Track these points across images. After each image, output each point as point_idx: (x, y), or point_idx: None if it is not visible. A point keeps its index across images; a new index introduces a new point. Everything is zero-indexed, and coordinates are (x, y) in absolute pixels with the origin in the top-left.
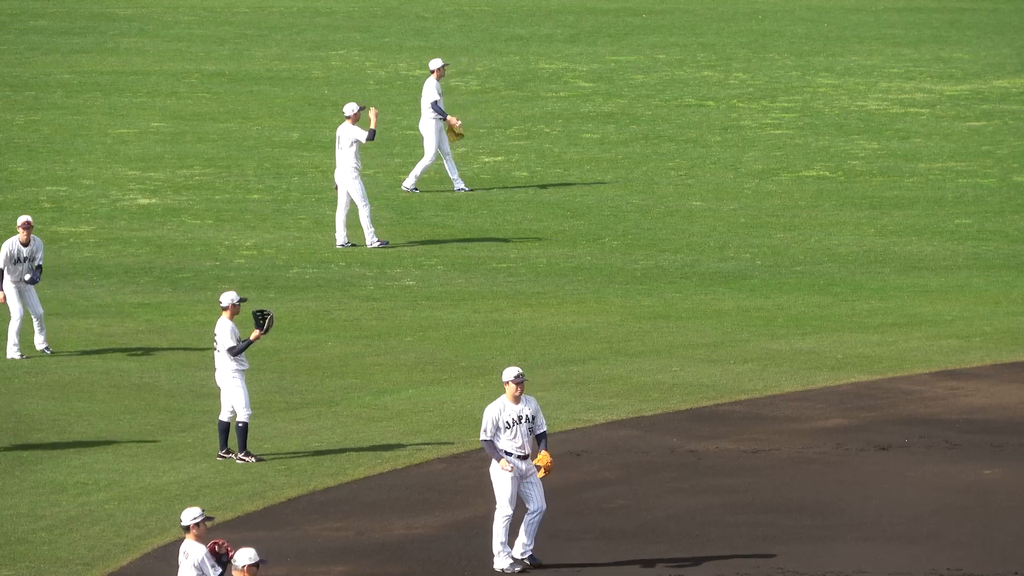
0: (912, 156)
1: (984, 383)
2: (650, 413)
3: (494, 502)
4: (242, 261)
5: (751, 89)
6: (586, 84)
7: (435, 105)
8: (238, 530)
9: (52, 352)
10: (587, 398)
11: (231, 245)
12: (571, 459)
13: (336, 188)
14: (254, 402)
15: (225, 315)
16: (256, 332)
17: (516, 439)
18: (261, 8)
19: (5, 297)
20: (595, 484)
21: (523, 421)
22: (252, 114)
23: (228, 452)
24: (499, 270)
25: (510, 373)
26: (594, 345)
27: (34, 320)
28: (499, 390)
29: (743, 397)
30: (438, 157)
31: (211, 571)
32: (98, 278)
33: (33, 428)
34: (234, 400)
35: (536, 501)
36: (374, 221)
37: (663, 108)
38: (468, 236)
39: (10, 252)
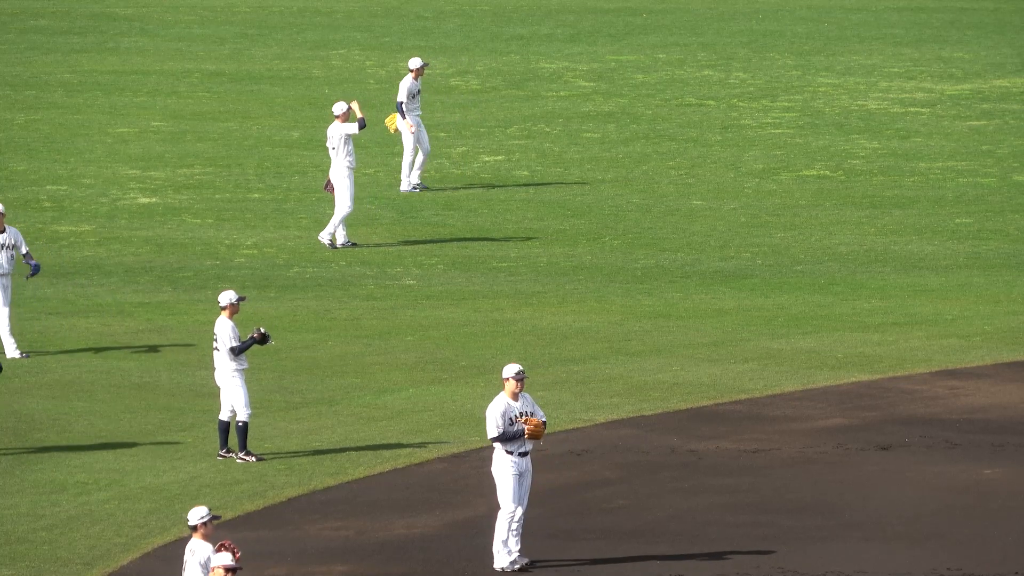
0: (912, 155)
1: (984, 383)
2: (650, 413)
3: (496, 502)
4: (242, 260)
5: (751, 88)
6: (586, 83)
7: (400, 106)
8: (238, 529)
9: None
10: (587, 397)
11: (231, 244)
12: (571, 459)
13: (327, 187)
14: (254, 401)
15: (224, 314)
16: (258, 331)
17: (522, 437)
18: (261, 7)
19: None
20: (595, 484)
21: (522, 418)
22: (252, 113)
23: (228, 452)
24: (499, 269)
25: (511, 369)
26: (594, 344)
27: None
28: (498, 389)
29: (743, 397)
30: (422, 149)
31: None
32: (98, 277)
33: (33, 427)
34: (234, 400)
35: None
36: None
37: (663, 107)
38: (468, 235)
39: None
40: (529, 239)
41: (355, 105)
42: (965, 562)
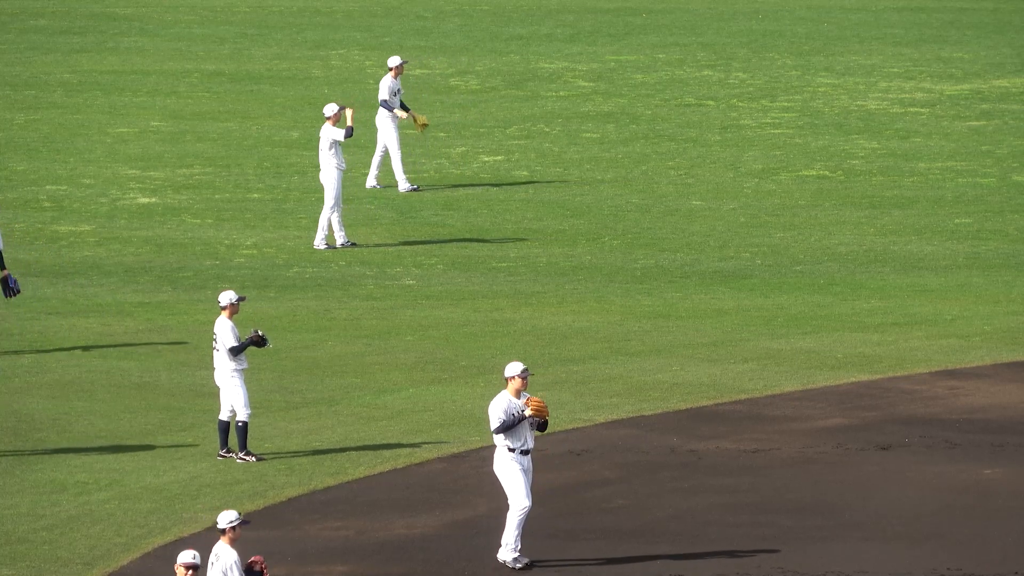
0: (912, 156)
1: (984, 382)
2: (650, 412)
3: (502, 502)
4: (242, 260)
5: (751, 88)
6: (586, 83)
7: (384, 103)
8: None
9: None
10: (587, 397)
11: (231, 244)
12: (571, 458)
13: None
14: (254, 401)
15: (224, 314)
16: (256, 332)
17: (520, 433)
18: (261, 7)
19: None
20: (595, 484)
21: (525, 416)
22: (252, 113)
23: (228, 451)
24: (499, 269)
25: (516, 368)
26: (594, 344)
27: None
28: (498, 389)
29: (743, 397)
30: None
31: None
32: (98, 277)
33: (33, 427)
34: (233, 400)
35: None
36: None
37: (663, 107)
38: (468, 235)
39: None
40: (528, 239)
41: (348, 113)
42: (965, 562)
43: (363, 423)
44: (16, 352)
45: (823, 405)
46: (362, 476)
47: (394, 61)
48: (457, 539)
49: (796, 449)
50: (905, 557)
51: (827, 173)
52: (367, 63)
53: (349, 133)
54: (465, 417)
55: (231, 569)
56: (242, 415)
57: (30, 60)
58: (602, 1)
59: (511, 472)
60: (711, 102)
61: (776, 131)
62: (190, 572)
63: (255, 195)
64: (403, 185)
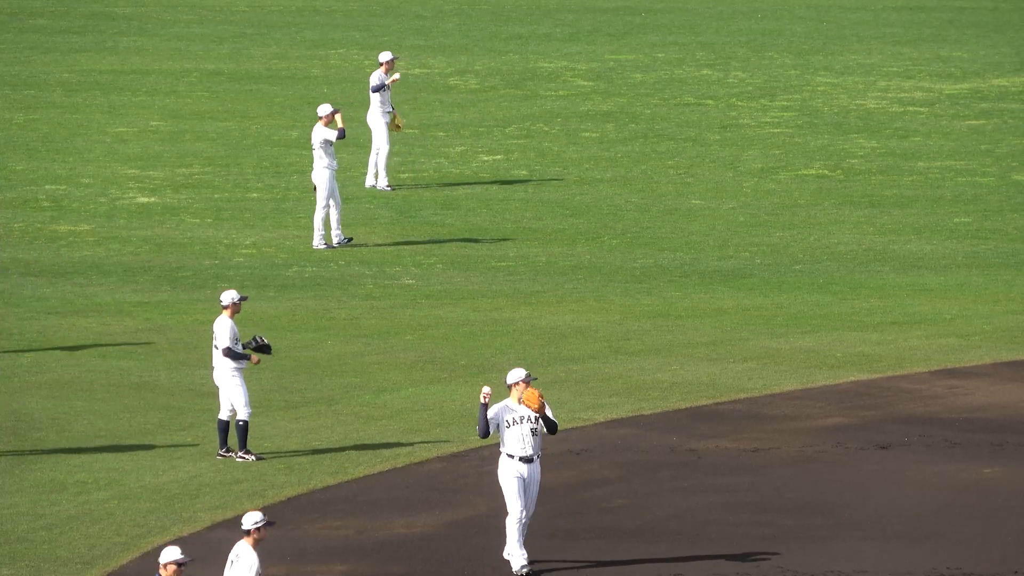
0: (911, 155)
1: (984, 382)
2: (650, 412)
3: (500, 505)
4: (241, 260)
5: (750, 88)
6: (585, 83)
7: (375, 88)
8: (238, 529)
9: None
10: (587, 397)
11: (230, 244)
12: (570, 458)
13: (315, 190)
14: (254, 401)
15: (225, 314)
16: (255, 358)
17: (519, 440)
18: (260, 7)
19: None
20: (595, 483)
21: (524, 421)
22: (251, 113)
23: (228, 451)
24: (498, 269)
25: (518, 374)
26: (593, 344)
27: None
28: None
29: (743, 396)
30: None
31: None
32: (97, 277)
33: (33, 427)
34: (233, 399)
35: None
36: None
37: (662, 107)
38: (467, 235)
39: None
40: (528, 238)
41: (338, 117)
42: (965, 561)
43: (363, 422)
44: (16, 352)
45: (823, 404)
46: (362, 475)
47: (385, 56)
48: (457, 538)
49: (796, 448)
50: (905, 556)
51: (826, 172)
52: (366, 62)
53: (341, 135)
54: (465, 416)
55: (250, 570)
56: (242, 414)
57: (29, 60)
58: (601, 0)
59: (507, 479)
60: (710, 101)
61: (775, 130)
62: (181, 569)
63: (254, 195)
64: (382, 182)
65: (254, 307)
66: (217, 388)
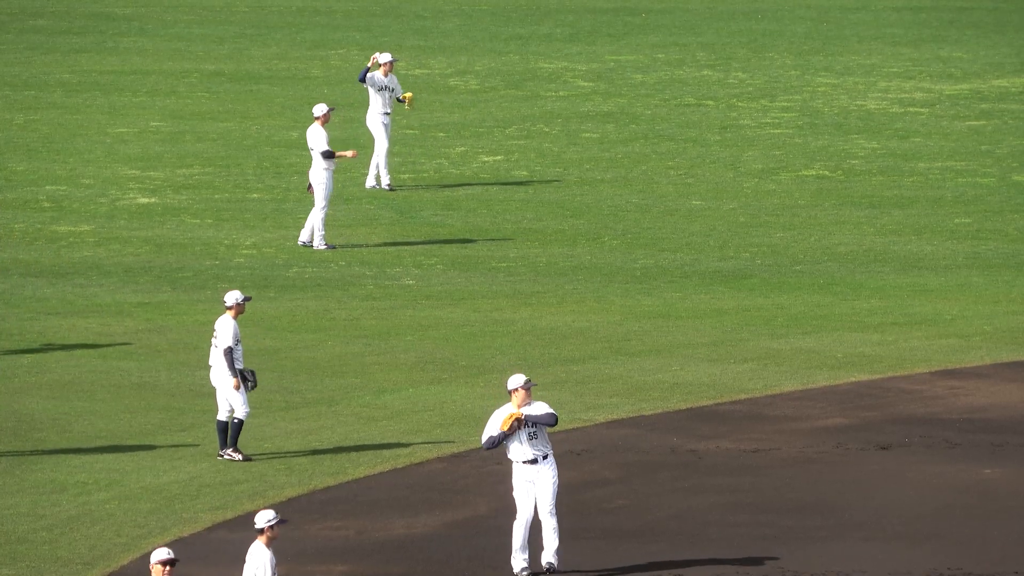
0: (911, 155)
1: (984, 382)
2: (650, 412)
3: (503, 501)
4: (242, 260)
5: (750, 88)
6: (585, 83)
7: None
8: (238, 530)
9: None
10: (587, 397)
11: (231, 244)
12: (571, 458)
13: (309, 188)
14: (254, 401)
15: (229, 314)
16: (236, 382)
17: (520, 446)
18: (260, 7)
19: None
20: (595, 484)
21: (522, 427)
22: (252, 113)
23: (237, 451)
24: (498, 269)
25: (518, 380)
26: (594, 344)
27: None
28: (498, 388)
29: (743, 396)
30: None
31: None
32: (98, 277)
33: (33, 427)
34: (232, 399)
35: (545, 506)
36: (328, 223)
37: (662, 107)
38: (467, 235)
39: None
40: (528, 239)
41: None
42: (965, 562)
43: (363, 423)
44: (16, 352)
45: (823, 405)
46: (362, 476)
47: (384, 57)
48: (457, 539)
49: (796, 449)
50: (905, 557)
51: (827, 173)
52: (366, 63)
53: (328, 155)
54: (465, 417)
55: (264, 568)
56: (240, 413)
57: (30, 60)
58: (601, 1)
59: (515, 484)
60: (711, 102)
61: (776, 131)
62: (167, 568)
63: (255, 195)
64: (384, 180)
65: (254, 307)
66: (215, 388)
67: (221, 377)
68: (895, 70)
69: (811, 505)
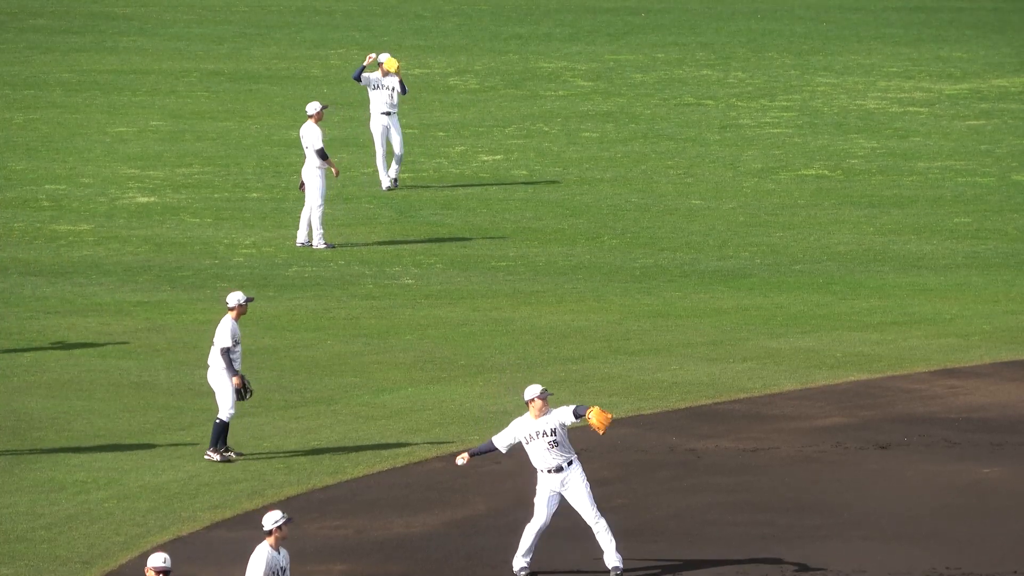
0: (911, 155)
1: (983, 382)
2: (649, 411)
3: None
4: (241, 259)
5: (750, 88)
6: (585, 83)
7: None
8: (237, 529)
9: None
10: (586, 396)
11: (230, 243)
12: None
13: (301, 186)
14: (252, 400)
15: (231, 315)
16: (237, 380)
17: (541, 454)
18: (260, 7)
19: None
20: (594, 483)
21: (541, 436)
22: (251, 113)
23: (228, 450)
24: (498, 268)
25: (533, 391)
26: (593, 343)
27: None
28: (497, 388)
29: (742, 396)
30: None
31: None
32: (97, 276)
33: (32, 426)
34: (220, 398)
35: (587, 512)
36: (326, 223)
37: (662, 107)
38: (467, 235)
39: None
40: (527, 238)
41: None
42: (964, 561)
43: (362, 422)
44: (15, 351)
45: (822, 404)
46: (361, 475)
47: (383, 58)
48: (456, 538)
49: (795, 448)
50: (904, 556)
51: (826, 172)
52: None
53: (322, 153)
54: (464, 416)
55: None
56: (223, 414)
57: (29, 59)
58: (601, 1)
59: (538, 490)
60: (710, 101)
61: (775, 130)
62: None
63: (254, 194)
64: (385, 183)
65: (253, 306)
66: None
67: (216, 377)
68: (894, 70)
69: (810, 504)
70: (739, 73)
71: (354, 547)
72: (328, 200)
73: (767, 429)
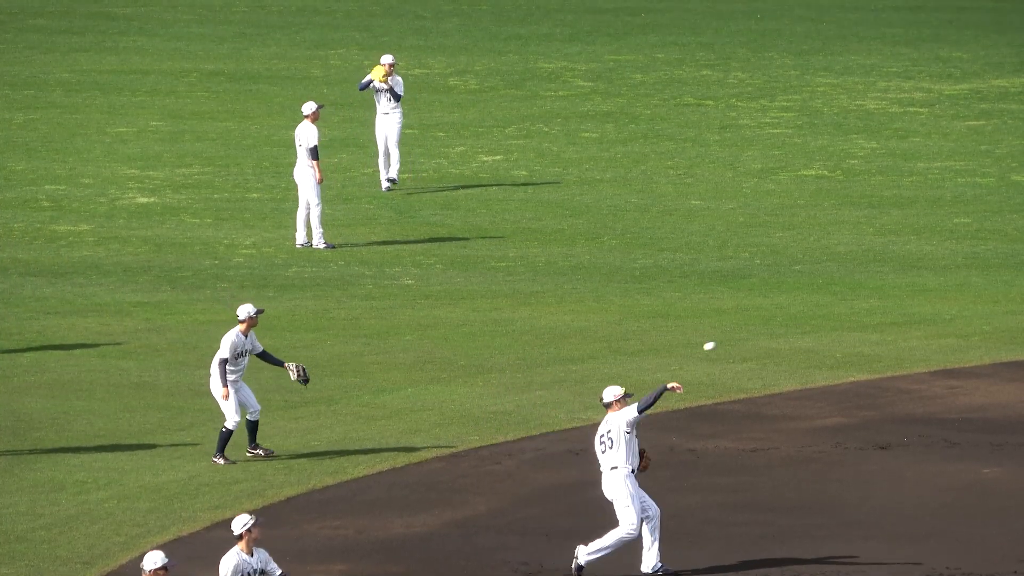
0: (911, 155)
1: (983, 382)
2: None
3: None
4: (241, 260)
5: (750, 88)
6: (585, 83)
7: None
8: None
9: None
10: (586, 397)
11: (230, 244)
12: (570, 458)
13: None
14: None
15: (239, 327)
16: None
17: (604, 454)
18: (260, 7)
19: None
20: (595, 483)
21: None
22: (251, 113)
23: (256, 447)
24: (498, 269)
25: (615, 391)
26: (593, 344)
27: None
28: (497, 388)
29: (742, 396)
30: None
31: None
32: (97, 277)
33: (32, 427)
34: (224, 407)
35: (650, 506)
36: (325, 222)
37: (662, 107)
38: (467, 235)
39: None
40: (527, 239)
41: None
42: (964, 561)
43: (362, 422)
44: (15, 351)
45: (822, 404)
46: (361, 475)
47: (386, 59)
48: (456, 538)
49: (795, 448)
50: (904, 556)
51: (826, 173)
52: (366, 63)
53: (314, 152)
54: (464, 416)
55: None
56: (229, 423)
57: (29, 59)
58: (601, 1)
59: (627, 493)
60: (710, 102)
61: (775, 131)
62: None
63: (254, 195)
64: (385, 183)
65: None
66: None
67: (213, 387)
68: (894, 70)
69: (810, 504)
70: (739, 73)
71: (354, 547)
72: (328, 200)
73: (767, 429)
